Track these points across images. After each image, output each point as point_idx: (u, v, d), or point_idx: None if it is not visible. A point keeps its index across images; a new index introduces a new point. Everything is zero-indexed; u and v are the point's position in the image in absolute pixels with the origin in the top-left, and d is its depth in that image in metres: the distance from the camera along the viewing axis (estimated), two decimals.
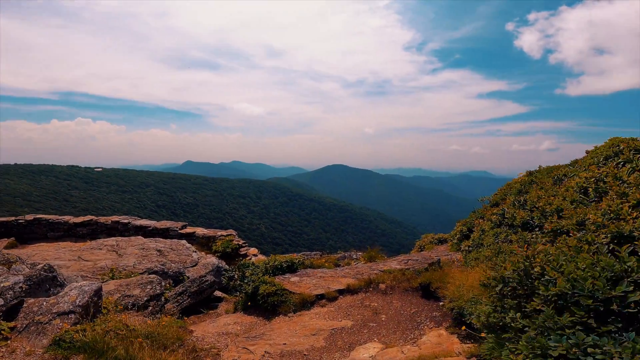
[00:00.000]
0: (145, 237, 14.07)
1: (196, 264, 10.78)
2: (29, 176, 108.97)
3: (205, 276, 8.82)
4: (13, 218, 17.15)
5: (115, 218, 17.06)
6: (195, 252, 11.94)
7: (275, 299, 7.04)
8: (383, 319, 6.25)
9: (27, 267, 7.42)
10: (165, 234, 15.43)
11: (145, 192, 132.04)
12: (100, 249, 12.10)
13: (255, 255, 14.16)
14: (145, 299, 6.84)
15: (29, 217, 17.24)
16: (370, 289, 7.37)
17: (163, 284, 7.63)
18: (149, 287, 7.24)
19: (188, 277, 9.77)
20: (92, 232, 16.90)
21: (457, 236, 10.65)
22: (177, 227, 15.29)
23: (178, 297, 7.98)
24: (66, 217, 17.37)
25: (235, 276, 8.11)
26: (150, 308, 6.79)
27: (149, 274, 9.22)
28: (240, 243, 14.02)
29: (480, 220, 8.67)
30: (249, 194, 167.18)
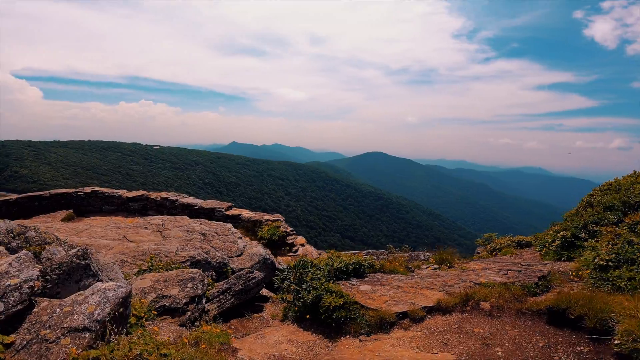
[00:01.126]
0: (190, 217, 13.02)
1: (241, 254, 9.44)
2: (99, 151, 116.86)
3: (251, 272, 7.39)
4: (73, 190, 17.08)
5: (164, 194, 16.38)
6: (241, 238, 10.64)
7: (343, 315, 5.39)
8: (499, 354, 4.38)
9: (64, 249, 6.35)
10: (210, 214, 14.41)
11: (194, 169, 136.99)
12: (146, 228, 11.17)
13: (302, 245, 12.71)
14: (185, 301, 5.48)
15: (88, 189, 17.10)
16: (468, 308, 5.49)
17: (205, 281, 6.26)
18: (189, 285, 5.88)
19: (232, 270, 8.43)
20: (142, 207, 16.36)
21: (557, 243, 8.38)
22: (222, 208, 14.18)
23: (220, 296, 6.60)
24: (120, 191, 17.02)
25: (291, 278, 6.56)
26: (189, 313, 5.42)
27: (191, 263, 7.98)
28: (287, 230, 12.60)
29: (612, 228, 6.41)
30: (288, 177, 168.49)
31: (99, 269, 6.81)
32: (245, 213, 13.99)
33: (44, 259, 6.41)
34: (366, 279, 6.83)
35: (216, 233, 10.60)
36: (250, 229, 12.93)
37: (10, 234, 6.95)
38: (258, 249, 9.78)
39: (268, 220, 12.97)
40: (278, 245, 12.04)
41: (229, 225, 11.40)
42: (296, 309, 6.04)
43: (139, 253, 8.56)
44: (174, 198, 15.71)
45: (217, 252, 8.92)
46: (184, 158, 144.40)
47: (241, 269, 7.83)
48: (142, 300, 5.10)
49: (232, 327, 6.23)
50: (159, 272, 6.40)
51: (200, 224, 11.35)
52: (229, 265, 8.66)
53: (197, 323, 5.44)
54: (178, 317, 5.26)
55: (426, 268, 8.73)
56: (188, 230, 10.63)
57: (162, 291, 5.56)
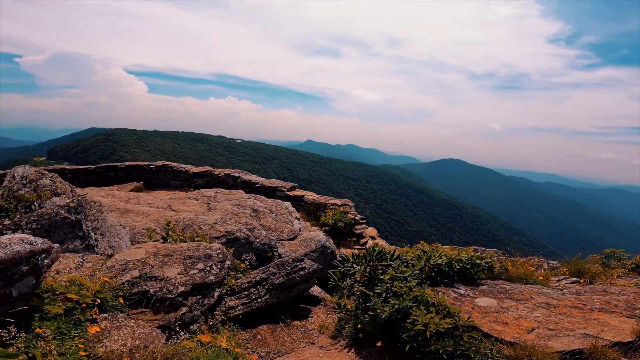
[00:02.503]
0: (247, 193, 11.20)
1: (295, 237, 7.16)
2: (190, 142, 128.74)
3: (301, 261, 5.00)
4: (146, 163, 17.02)
5: (227, 171, 15.20)
6: (299, 220, 8.38)
7: (450, 348, 2.68)
8: None
9: (71, 200, 4.74)
10: (271, 193, 12.56)
11: (271, 164, 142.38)
12: (196, 199, 9.61)
13: (372, 237, 10.03)
14: (181, 289, 3.28)
15: (159, 163, 16.83)
16: None
17: (227, 263, 4.03)
18: (199, 266, 3.69)
19: (279, 255, 6.18)
20: (206, 183, 15.38)
21: None
22: (285, 188, 12.21)
23: (252, 290, 4.33)
24: (188, 167, 16.40)
25: (357, 275, 3.99)
26: (185, 309, 3.19)
27: (227, 240, 5.91)
28: (356, 218, 10.05)
29: None
30: (359, 177, 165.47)
31: (98, 230, 5.10)
32: (310, 195, 11.81)
33: (35, 210, 4.82)
34: (482, 287, 3.94)
35: (270, 210, 8.53)
36: (312, 212, 10.71)
37: (23, 181, 5.58)
38: (317, 234, 7.41)
39: (334, 204, 10.58)
40: (343, 234, 9.59)
41: (287, 203, 9.27)
42: (360, 326, 3.47)
43: (174, 222, 6.81)
44: (236, 174, 14.32)
45: (263, 231, 6.76)
46: (262, 152, 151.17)
47: (292, 257, 5.49)
48: (106, 279, 3.02)
49: (259, 336, 3.91)
50: (171, 244, 4.38)
51: (255, 199, 9.42)
52: (276, 249, 6.43)
53: (196, 326, 3.21)
54: (164, 314, 3.08)
55: (558, 280, 5.43)
56: (239, 205, 8.74)
57: (152, 270, 3.46)
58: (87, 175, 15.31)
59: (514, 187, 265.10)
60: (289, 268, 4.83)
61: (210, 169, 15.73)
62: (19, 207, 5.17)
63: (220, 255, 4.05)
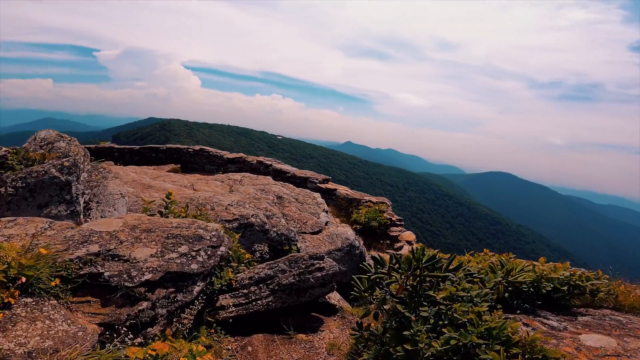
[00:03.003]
0: (277, 181, 10.36)
1: (319, 231, 6.13)
2: (234, 136, 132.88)
3: (320, 259, 3.96)
4: (185, 147, 17.27)
5: (260, 158, 14.68)
6: (327, 213, 7.34)
7: None
8: None
9: (67, 159, 4.12)
10: (302, 184, 11.67)
11: (309, 162, 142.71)
12: (222, 182, 8.94)
13: (409, 243, 8.74)
14: (148, 277, 2.37)
15: (197, 147, 16.98)
16: None
17: (221, 250, 3.07)
18: (182, 248, 2.78)
19: (297, 250, 5.20)
20: (239, 169, 14.99)
21: None
22: (316, 179, 11.25)
23: (252, 289, 3.36)
24: (223, 152, 16.31)
25: (393, 284, 2.85)
26: (146, 305, 2.27)
27: (239, 225, 5.02)
28: (393, 219, 8.80)
29: None
30: (397, 184, 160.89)
31: (95, 198, 4.41)
32: (343, 189, 10.73)
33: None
34: (584, 319, 2.61)
35: (296, 199, 7.58)
36: (343, 208, 9.63)
37: (41, 143, 5.11)
38: (345, 230, 6.33)
39: (369, 201, 9.40)
40: (376, 235, 8.41)
41: (317, 194, 8.26)
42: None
43: (188, 199, 6.09)
44: (268, 162, 13.67)
45: (283, 220, 5.79)
46: (301, 150, 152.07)
47: (309, 253, 4.47)
48: (44, 251, 2.18)
49: (250, 348, 2.93)
50: (157, 217, 3.54)
51: (282, 186, 8.53)
52: (295, 243, 5.44)
53: (155, 329, 2.28)
54: (115, 308, 2.18)
55: None
56: (263, 190, 7.89)
57: (118, 247, 2.58)
58: (131, 155, 15.86)
59: (571, 207, 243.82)
60: (303, 266, 3.81)
61: (243, 155, 15.30)
62: (22, 167, 4.66)
63: (214, 239, 3.12)
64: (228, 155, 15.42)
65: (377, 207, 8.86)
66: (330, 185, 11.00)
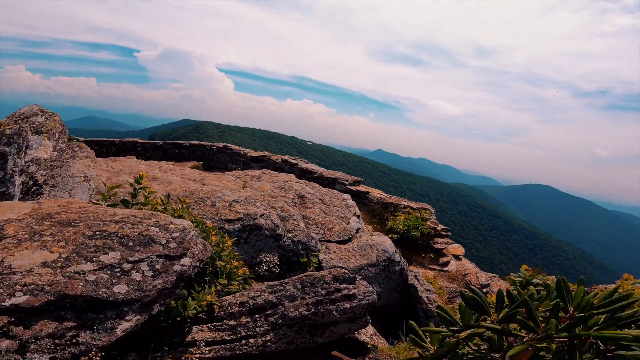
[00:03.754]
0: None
1: (349, 240, 4.71)
2: (264, 139, 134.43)
3: (350, 282, 2.55)
4: (209, 144, 16.77)
5: (285, 157, 13.60)
6: (358, 218, 5.92)
7: None
8: None
9: (9, 127, 3.07)
10: (330, 185, 10.34)
11: (338, 169, 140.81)
12: (237, 177, 7.82)
13: (457, 257, 7.10)
14: (19, 301, 1.09)
15: (220, 144, 16.39)
16: None
17: (187, 263, 1.76)
18: (107, 256, 1.48)
19: (319, 263, 3.84)
20: (262, 168, 13.92)
21: None
22: (346, 180, 9.86)
23: (242, 319, 2.02)
24: (247, 150, 15.49)
25: (524, 339, 1.36)
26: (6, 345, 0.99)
27: (243, 227, 3.72)
28: (438, 229, 7.21)
29: None
30: (428, 194, 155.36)
31: (52, 180, 3.26)
32: (377, 192, 9.25)
33: None
34: None
35: (321, 200, 6.23)
36: (377, 214, 8.14)
37: (20, 117, 4.19)
38: (382, 240, 4.87)
39: (409, 207, 7.86)
40: (416, 247, 6.85)
41: (346, 195, 6.88)
42: None
43: (187, 193, 4.94)
44: (294, 161, 12.50)
45: (301, 224, 4.45)
46: (331, 157, 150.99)
47: (335, 271, 3.07)
48: None
49: None
50: (98, 206, 2.32)
51: (306, 185, 7.22)
52: (316, 253, 4.07)
53: None
54: None
55: None
56: (283, 188, 6.62)
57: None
58: (154, 150, 15.58)
59: (616, 223, 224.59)
60: (322, 292, 2.45)
61: (267, 154, 14.29)
62: None
63: (173, 244, 1.85)
64: (252, 153, 14.52)
65: (418, 214, 7.32)
66: (362, 188, 9.57)
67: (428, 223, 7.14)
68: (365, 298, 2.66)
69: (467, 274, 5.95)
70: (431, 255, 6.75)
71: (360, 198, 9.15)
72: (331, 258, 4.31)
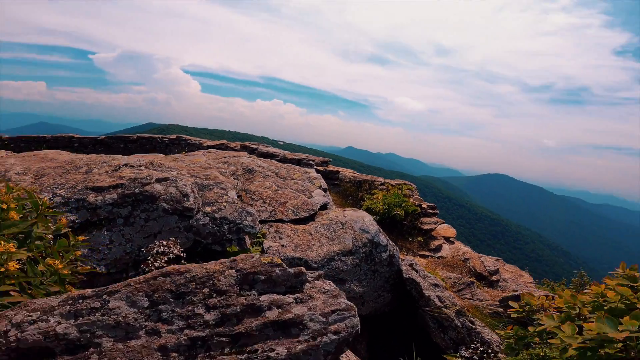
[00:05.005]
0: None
1: (310, 218, 3.05)
2: (234, 141, 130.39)
3: (288, 277, 0.88)
4: (160, 135, 14.51)
5: (246, 144, 11.75)
6: (325, 192, 4.25)
7: None
8: None
9: None
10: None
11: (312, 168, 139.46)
12: (175, 159, 5.92)
13: (450, 240, 5.67)
14: None
15: (173, 136, 14.27)
16: None
17: None
18: None
19: (262, 252, 2.14)
20: None
21: None
22: (313, 161, 8.21)
23: None
24: (203, 140, 13.49)
25: None
26: None
27: (119, 197, 1.91)
28: (423, 206, 5.74)
29: None
30: None
31: None
32: (348, 171, 7.69)
33: None
34: None
35: (275, 174, 4.51)
36: (350, 194, 6.58)
37: None
38: (359, 216, 3.25)
39: (386, 183, 6.36)
40: (401, 230, 5.34)
41: (310, 169, 5.23)
42: None
43: (63, 163, 3.05)
44: (254, 146, 10.68)
45: (230, 195, 2.72)
46: None
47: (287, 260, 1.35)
48: None
49: None
50: None
51: (259, 159, 5.50)
52: (258, 238, 2.37)
53: None
54: None
55: None
56: (226, 162, 4.86)
57: None
58: (95, 145, 13.31)
59: (566, 207, 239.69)
60: (208, 317, 0.78)
61: (225, 141, 12.35)
62: None
63: None
64: (208, 142, 12.53)
65: (398, 191, 5.83)
66: (332, 168, 7.97)
67: (411, 200, 5.65)
68: (331, 329, 1.02)
69: (468, 259, 4.51)
70: (420, 238, 5.27)
71: (329, 179, 7.55)
72: (282, 245, 2.65)
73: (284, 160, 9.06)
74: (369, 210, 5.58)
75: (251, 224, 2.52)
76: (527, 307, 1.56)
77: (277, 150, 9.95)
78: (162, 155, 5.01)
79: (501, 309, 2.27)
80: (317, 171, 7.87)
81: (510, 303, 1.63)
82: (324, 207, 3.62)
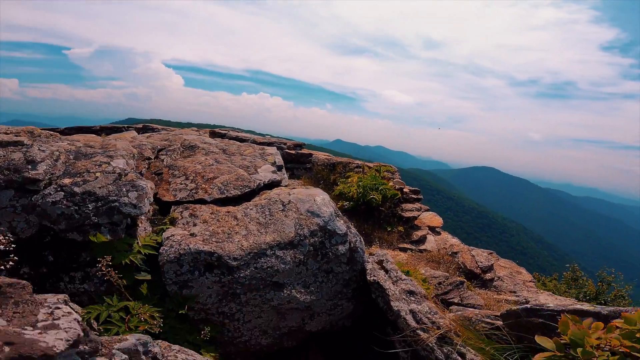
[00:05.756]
0: None
1: (244, 197, 2.21)
2: (219, 135, 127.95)
3: None
4: (125, 125, 13.55)
5: (216, 130, 10.76)
6: (280, 169, 3.36)
7: None
8: None
9: None
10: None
11: None
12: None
13: (435, 231, 4.92)
14: None
15: (139, 125, 13.19)
16: None
17: None
18: None
19: (158, 244, 1.27)
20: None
21: None
22: (284, 144, 7.34)
23: None
24: (171, 128, 12.45)
25: None
26: None
27: None
28: (405, 190, 4.96)
29: None
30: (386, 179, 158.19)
31: None
32: (322, 154, 6.86)
33: None
34: None
35: (222, 150, 3.64)
36: (323, 178, 5.77)
37: None
38: (309, 195, 2.41)
39: (364, 165, 5.56)
40: (378, 218, 4.55)
41: (270, 148, 4.38)
42: None
43: None
44: (223, 132, 9.73)
45: (116, 162, 1.85)
46: None
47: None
48: None
49: None
50: None
51: (210, 138, 4.61)
52: (165, 222, 1.52)
53: None
54: None
55: None
56: (166, 139, 3.99)
57: None
58: None
59: (550, 199, 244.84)
60: None
61: (195, 129, 11.36)
62: None
63: None
64: (178, 130, 11.49)
65: (376, 174, 5.04)
66: (305, 151, 7.12)
67: (391, 183, 4.87)
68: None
69: (456, 253, 3.76)
70: (400, 228, 4.51)
71: (301, 163, 6.72)
72: (191, 234, 1.82)
73: (254, 142, 8.20)
74: (341, 196, 4.78)
75: (133, 202, 1.68)
76: (576, 346, 0.82)
77: (248, 135, 9.04)
78: (97, 137, 4.11)
79: (502, 324, 1.53)
80: (289, 154, 7.03)
81: (539, 340, 0.88)
82: (273, 185, 2.80)
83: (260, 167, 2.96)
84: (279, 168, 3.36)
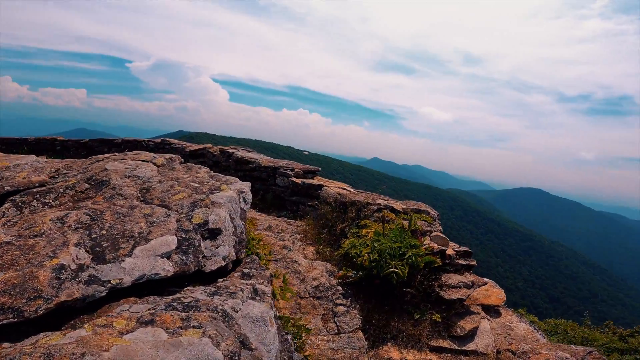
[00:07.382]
0: (244, 180, 4.75)
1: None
2: (261, 150, 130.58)
3: None
4: (145, 139, 13.40)
5: (226, 148, 9.98)
6: (212, 231, 1.80)
7: None
8: None
9: None
10: (271, 178, 6.52)
11: (334, 178, 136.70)
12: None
13: (492, 310, 3.02)
14: None
15: (158, 140, 13.09)
16: None
17: None
18: None
19: None
20: (200, 163, 10.35)
21: None
22: (292, 170, 5.83)
23: None
24: (186, 144, 12.05)
25: None
26: None
27: None
28: (449, 252, 3.17)
29: None
30: (425, 200, 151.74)
31: None
32: (335, 186, 5.23)
33: None
34: None
35: (143, 194, 2.23)
36: (329, 224, 4.13)
37: None
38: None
39: (388, 207, 3.85)
40: (402, 299, 2.81)
41: (204, 169, 2.90)
42: None
43: None
44: (231, 151, 8.71)
45: None
46: (327, 166, 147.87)
47: None
48: None
49: None
50: None
51: (154, 171, 3.23)
52: None
53: None
54: None
55: None
56: (86, 169, 2.61)
57: None
58: (77, 149, 12.74)
59: (605, 223, 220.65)
60: None
61: (208, 145, 10.51)
62: None
63: None
64: (192, 147, 10.76)
65: (402, 222, 3.32)
66: (315, 181, 5.53)
67: (427, 241, 3.12)
68: None
69: (528, 355, 1.93)
70: (436, 316, 2.75)
71: (308, 196, 5.13)
72: None
73: (258, 168, 6.83)
74: (347, 259, 3.12)
75: None
76: None
77: (255, 156, 7.72)
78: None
79: None
80: (294, 184, 5.52)
81: None
82: (153, 286, 1.25)
83: (151, 240, 1.44)
84: (212, 236, 1.82)
